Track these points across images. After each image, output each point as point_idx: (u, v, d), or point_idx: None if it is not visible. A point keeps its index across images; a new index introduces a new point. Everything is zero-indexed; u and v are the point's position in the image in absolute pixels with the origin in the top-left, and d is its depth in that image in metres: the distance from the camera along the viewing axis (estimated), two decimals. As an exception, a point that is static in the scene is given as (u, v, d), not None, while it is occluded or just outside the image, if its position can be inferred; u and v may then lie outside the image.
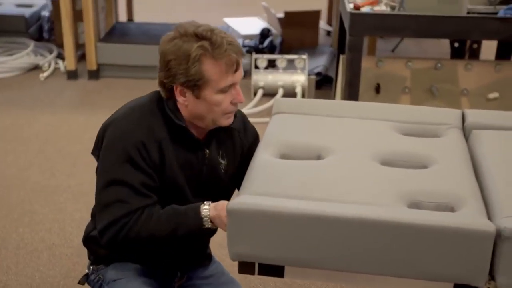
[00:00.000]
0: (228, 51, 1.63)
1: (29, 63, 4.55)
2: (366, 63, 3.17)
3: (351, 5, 2.97)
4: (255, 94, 4.11)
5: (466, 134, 1.71)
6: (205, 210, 1.62)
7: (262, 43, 4.77)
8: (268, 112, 3.85)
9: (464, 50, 3.88)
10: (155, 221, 1.65)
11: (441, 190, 1.40)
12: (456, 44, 3.85)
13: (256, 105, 3.94)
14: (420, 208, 1.36)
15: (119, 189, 1.64)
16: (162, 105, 1.72)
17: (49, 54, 4.71)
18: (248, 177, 1.55)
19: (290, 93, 4.10)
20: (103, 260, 1.81)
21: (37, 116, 3.77)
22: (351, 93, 2.94)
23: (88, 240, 1.83)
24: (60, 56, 4.68)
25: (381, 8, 2.96)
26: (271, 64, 4.24)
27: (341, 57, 3.39)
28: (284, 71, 4.18)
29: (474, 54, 3.78)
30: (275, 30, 5.07)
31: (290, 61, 4.23)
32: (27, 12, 4.95)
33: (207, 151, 1.77)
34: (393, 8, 2.94)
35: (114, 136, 1.68)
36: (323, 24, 5.44)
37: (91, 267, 1.84)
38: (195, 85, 1.65)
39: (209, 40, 1.63)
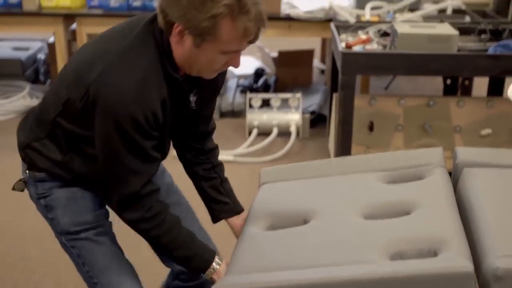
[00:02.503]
0: (253, 20, 1.44)
1: (25, 106, 4.56)
2: (359, 102, 3.19)
3: (343, 44, 3.01)
4: (249, 133, 4.13)
5: (457, 172, 1.72)
6: (216, 263, 1.63)
7: (257, 82, 4.81)
8: (263, 152, 3.86)
9: (457, 86, 3.91)
10: (177, 237, 1.62)
11: (423, 235, 1.41)
12: (449, 81, 3.88)
13: (250, 145, 3.95)
14: (404, 257, 1.37)
15: (131, 159, 1.52)
16: (157, 48, 1.51)
17: (44, 96, 4.74)
18: (236, 253, 1.57)
19: (284, 132, 4.11)
20: (42, 170, 1.67)
21: (33, 159, 3.77)
22: (345, 132, 2.96)
23: (28, 148, 1.67)
24: (56, 98, 4.70)
25: (373, 46, 2.99)
26: (266, 103, 4.26)
27: (334, 95, 3.42)
28: (278, 110, 4.20)
29: (466, 91, 3.81)
30: (269, 69, 5.11)
31: (284, 100, 4.25)
32: (23, 55, 4.99)
33: (191, 97, 1.66)
34: (384, 46, 2.98)
35: (116, 101, 1.47)
36: (316, 63, 5.49)
37: (27, 172, 1.70)
38: (201, 35, 1.45)
39: (238, 1, 1.41)
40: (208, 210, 1.86)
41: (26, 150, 1.68)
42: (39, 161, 1.67)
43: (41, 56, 5.14)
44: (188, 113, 1.69)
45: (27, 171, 1.71)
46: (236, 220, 1.83)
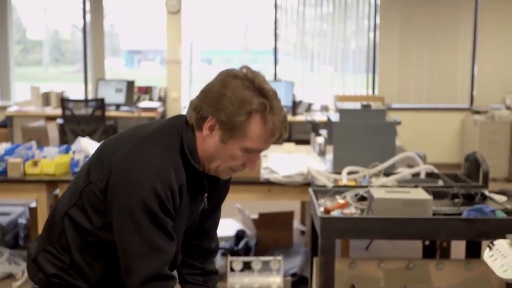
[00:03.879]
0: (280, 121, 1.63)
1: (3, 272, 4.50)
2: (340, 266, 3.21)
3: (322, 209, 3.08)
4: (231, 297, 4.07)
5: None
6: None
7: (237, 245, 4.82)
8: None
9: (435, 248, 3.95)
10: None
11: None
12: (427, 242, 3.93)
13: (232, 309, 3.89)
14: None
15: (155, 234, 1.56)
16: (180, 139, 1.64)
17: (23, 262, 4.68)
18: None
19: (266, 295, 4.07)
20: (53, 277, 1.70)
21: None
22: (326, 297, 2.94)
23: (40, 254, 1.72)
24: (35, 264, 4.65)
25: (351, 211, 3.06)
26: (247, 266, 4.25)
27: (315, 260, 3.43)
28: (259, 273, 4.18)
29: (445, 252, 3.84)
30: (250, 231, 5.15)
31: (266, 263, 4.25)
32: (4, 220, 5.00)
33: (206, 195, 1.74)
34: (362, 211, 3.05)
35: (140, 175, 1.55)
36: (296, 224, 5.55)
37: None
38: (230, 130, 1.61)
39: (270, 102, 1.62)
40: None
41: (37, 258, 1.72)
42: (50, 267, 1.69)
43: (22, 221, 5.15)
44: (199, 214, 1.77)
45: None
46: None
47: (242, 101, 1.60)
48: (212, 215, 1.90)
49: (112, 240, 1.64)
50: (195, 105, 1.66)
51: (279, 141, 1.68)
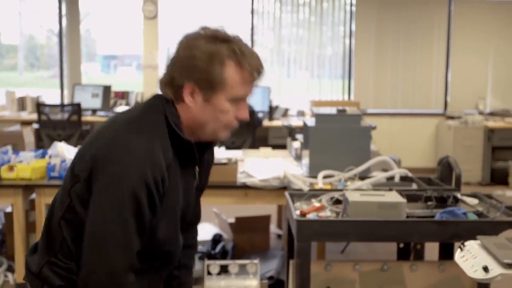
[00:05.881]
0: (253, 64, 1.63)
1: (-22, 277, 4.48)
2: (315, 268, 3.24)
3: (298, 212, 3.11)
4: (208, 301, 4.09)
5: None
6: None
7: (214, 249, 4.84)
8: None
9: (410, 250, 4.01)
10: None
11: None
12: (401, 245, 3.98)
13: (209, 313, 3.91)
14: None
15: (128, 224, 1.50)
16: (164, 116, 1.60)
17: (-1, 267, 4.66)
18: None
19: (243, 299, 4.09)
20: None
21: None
22: (302, 298, 2.98)
23: (44, 266, 1.63)
24: (10, 269, 4.63)
25: (326, 214, 3.10)
26: (224, 270, 4.27)
27: (291, 262, 3.47)
28: (236, 277, 4.20)
29: (419, 254, 3.90)
30: (227, 235, 5.17)
31: (242, 266, 4.27)
32: (-21, 225, 4.96)
33: (197, 168, 1.72)
34: (337, 214, 3.09)
35: (119, 169, 1.50)
36: (273, 228, 5.58)
37: None
38: (211, 86, 1.59)
39: (238, 46, 1.61)
40: None
41: (41, 272, 1.65)
42: (56, 279, 1.63)
43: (-2, 226, 5.12)
44: (193, 190, 1.74)
45: None
46: None
47: (211, 54, 1.58)
48: (196, 205, 1.86)
49: None
50: (167, 80, 1.63)
51: (259, 79, 1.67)
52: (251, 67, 1.63)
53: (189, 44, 1.60)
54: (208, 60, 1.58)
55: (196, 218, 1.90)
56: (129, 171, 1.51)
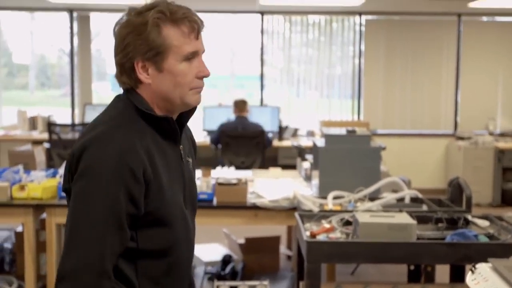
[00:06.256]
0: (187, 14, 1.59)
1: (-12, 298, 4.49)
2: (325, 289, 3.23)
3: (308, 233, 3.11)
4: (217, 322, 4.08)
5: None
6: None
7: (224, 270, 4.83)
8: None
9: (420, 272, 3.99)
10: None
11: None
12: (412, 267, 3.96)
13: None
14: None
15: (105, 217, 1.48)
16: (130, 104, 1.60)
17: (8, 287, 4.66)
18: None
19: (252, 320, 4.08)
20: None
21: None
22: (312, 321, 2.96)
23: None
24: (20, 288, 4.64)
25: (336, 235, 3.10)
26: (233, 291, 4.26)
27: (301, 283, 3.45)
28: (246, 298, 4.19)
29: (430, 277, 3.88)
30: (236, 256, 5.16)
31: (252, 287, 4.26)
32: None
33: (181, 146, 1.70)
34: (347, 235, 3.09)
35: (97, 158, 1.51)
36: (283, 249, 5.57)
37: None
38: (157, 54, 1.57)
39: (165, 6, 1.58)
40: None
41: None
42: None
43: (8, 245, 5.13)
44: (187, 173, 1.71)
45: None
46: None
47: (143, 24, 1.57)
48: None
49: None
50: (119, 70, 1.62)
51: (199, 33, 1.62)
52: (185, 19, 1.59)
53: (121, 27, 1.60)
54: (143, 30, 1.57)
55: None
56: (102, 165, 1.51)
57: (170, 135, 1.66)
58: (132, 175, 1.52)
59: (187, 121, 1.74)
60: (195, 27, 1.61)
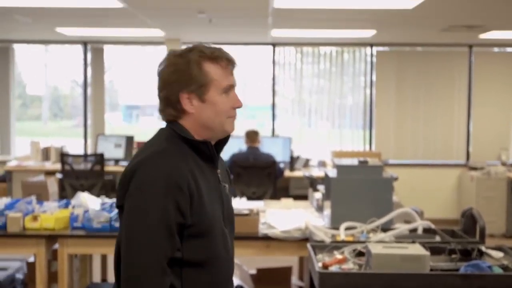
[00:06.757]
0: (223, 53, 1.87)
1: (-1, 328, 4.47)
2: (338, 321, 3.20)
3: (320, 264, 3.09)
4: None
5: None
6: None
7: (235, 301, 4.80)
8: None
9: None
10: None
11: None
12: (425, 298, 3.92)
13: None
14: None
15: (154, 234, 1.72)
16: (173, 132, 1.85)
17: (20, 317, 4.66)
18: None
19: None
20: None
21: None
22: None
23: None
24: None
25: (349, 266, 3.08)
26: (245, 323, 4.23)
27: (313, 315, 3.42)
28: (257, 330, 4.16)
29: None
30: (248, 287, 5.13)
31: (264, 319, 4.23)
32: (1, 275, 4.98)
33: (219, 170, 1.94)
34: (360, 266, 3.07)
35: (149, 176, 1.76)
36: (295, 280, 5.53)
37: None
38: (200, 86, 1.84)
39: (202, 48, 1.86)
40: None
41: None
42: None
43: (20, 276, 5.13)
44: (224, 192, 1.95)
45: None
46: None
47: (187, 63, 1.84)
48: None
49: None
50: (164, 103, 1.87)
51: (234, 66, 1.89)
52: (222, 57, 1.87)
53: (165, 67, 1.86)
54: (186, 68, 1.83)
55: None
56: (153, 181, 1.76)
57: (209, 158, 1.90)
58: (179, 188, 1.76)
59: (222, 148, 1.97)
60: (230, 63, 1.88)
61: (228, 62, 1.88)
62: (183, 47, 1.91)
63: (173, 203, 1.75)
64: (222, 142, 1.97)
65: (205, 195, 1.83)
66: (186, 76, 1.83)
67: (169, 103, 1.86)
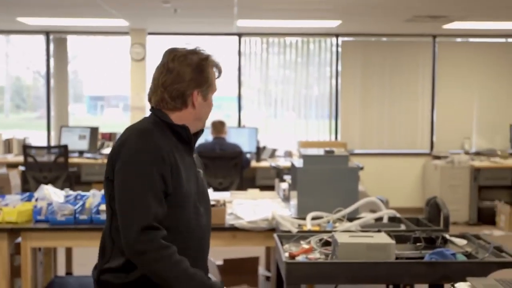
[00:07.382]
0: (217, 61, 2.20)
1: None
2: (305, 311, 3.21)
3: (287, 254, 3.09)
4: None
5: None
6: None
7: None
8: None
9: (399, 292, 3.99)
10: (187, 270, 2.04)
11: None
12: (391, 286, 3.97)
13: None
14: None
15: (144, 197, 1.96)
16: (156, 118, 2.11)
17: (-18, 312, 4.58)
18: None
19: None
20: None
21: None
22: None
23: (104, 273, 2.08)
24: (-6, 315, 4.54)
25: (315, 256, 3.09)
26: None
27: (280, 305, 3.43)
28: (225, 321, 4.15)
29: (409, 296, 3.88)
30: (215, 277, 5.10)
31: (231, 310, 4.23)
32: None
33: (195, 155, 2.23)
34: (326, 256, 3.08)
35: (135, 150, 2.00)
36: (262, 270, 5.54)
37: None
38: (208, 87, 2.15)
39: (209, 54, 2.17)
40: None
41: (100, 280, 2.10)
42: (113, 281, 2.06)
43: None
44: (199, 179, 2.21)
45: None
46: None
47: (205, 65, 2.15)
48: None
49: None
50: (174, 96, 2.10)
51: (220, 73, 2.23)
52: (219, 64, 2.21)
53: (181, 63, 2.09)
54: (204, 69, 2.12)
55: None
56: (140, 154, 2.00)
57: (186, 141, 2.16)
58: (163, 160, 2.02)
59: (197, 139, 2.24)
60: (220, 70, 2.22)
61: (220, 69, 2.23)
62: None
63: (158, 172, 2.00)
64: (199, 133, 2.24)
65: (183, 171, 2.07)
66: (203, 76, 2.12)
67: (180, 96, 2.11)
